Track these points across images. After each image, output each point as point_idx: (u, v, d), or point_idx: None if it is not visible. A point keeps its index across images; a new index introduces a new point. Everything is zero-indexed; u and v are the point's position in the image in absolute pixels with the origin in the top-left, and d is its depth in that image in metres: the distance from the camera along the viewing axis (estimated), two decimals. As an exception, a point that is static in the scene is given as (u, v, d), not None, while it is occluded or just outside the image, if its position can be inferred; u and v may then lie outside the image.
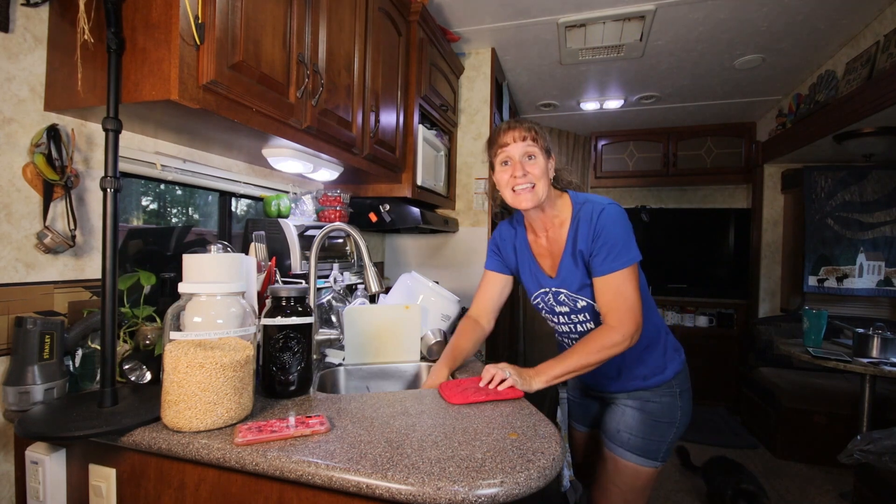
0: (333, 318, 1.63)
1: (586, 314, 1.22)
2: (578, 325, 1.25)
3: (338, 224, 1.44)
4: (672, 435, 1.25)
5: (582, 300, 1.20)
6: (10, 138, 1.01)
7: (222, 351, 0.88)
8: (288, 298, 1.09)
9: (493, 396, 1.03)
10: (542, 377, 1.10)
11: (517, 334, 4.16)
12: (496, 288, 1.38)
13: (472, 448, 0.80)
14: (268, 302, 1.11)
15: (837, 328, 2.96)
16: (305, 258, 1.61)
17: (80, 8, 0.91)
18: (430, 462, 0.74)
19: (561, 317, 1.27)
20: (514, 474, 0.71)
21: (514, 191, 1.16)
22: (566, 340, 1.33)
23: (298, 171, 1.58)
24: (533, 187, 1.14)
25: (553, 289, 1.23)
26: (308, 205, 1.84)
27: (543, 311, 1.31)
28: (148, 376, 1.07)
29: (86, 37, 0.92)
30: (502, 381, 1.06)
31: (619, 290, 1.10)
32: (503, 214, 1.42)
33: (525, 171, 1.13)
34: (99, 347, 0.99)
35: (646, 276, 1.32)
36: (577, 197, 1.21)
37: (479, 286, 1.43)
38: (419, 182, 2.10)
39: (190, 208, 1.72)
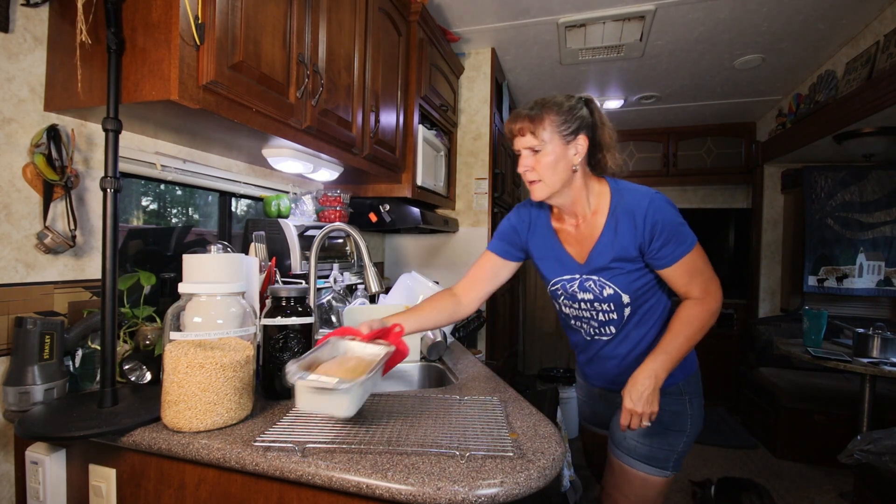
0: (333, 318, 1.63)
1: (611, 304, 1.17)
2: (600, 314, 1.20)
3: (338, 224, 1.44)
4: (682, 444, 1.18)
5: (609, 288, 1.15)
6: (10, 138, 1.01)
7: (222, 351, 0.88)
8: (288, 298, 1.08)
9: None
10: (662, 375, 1.07)
11: (517, 334, 4.16)
12: (490, 270, 1.29)
13: (472, 448, 0.80)
14: (268, 302, 1.11)
15: (837, 328, 2.96)
16: (305, 258, 1.61)
17: (79, 8, 0.91)
18: (430, 462, 0.74)
19: (583, 303, 1.21)
20: (514, 474, 0.71)
21: (528, 182, 1.13)
22: (584, 327, 1.25)
23: (298, 171, 1.58)
24: (541, 181, 1.10)
25: (582, 276, 1.17)
26: (308, 205, 1.84)
27: (562, 297, 1.24)
28: (148, 376, 1.07)
29: (83, 37, 0.92)
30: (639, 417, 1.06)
31: (696, 268, 1.11)
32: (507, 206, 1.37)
33: (529, 167, 1.10)
34: (99, 347, 0.99)
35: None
36: (616, 185, 1.16)
37: (472, 265, 1.32)
38: (419, 182, 2.10)
39: (190, 208, 1.72)
